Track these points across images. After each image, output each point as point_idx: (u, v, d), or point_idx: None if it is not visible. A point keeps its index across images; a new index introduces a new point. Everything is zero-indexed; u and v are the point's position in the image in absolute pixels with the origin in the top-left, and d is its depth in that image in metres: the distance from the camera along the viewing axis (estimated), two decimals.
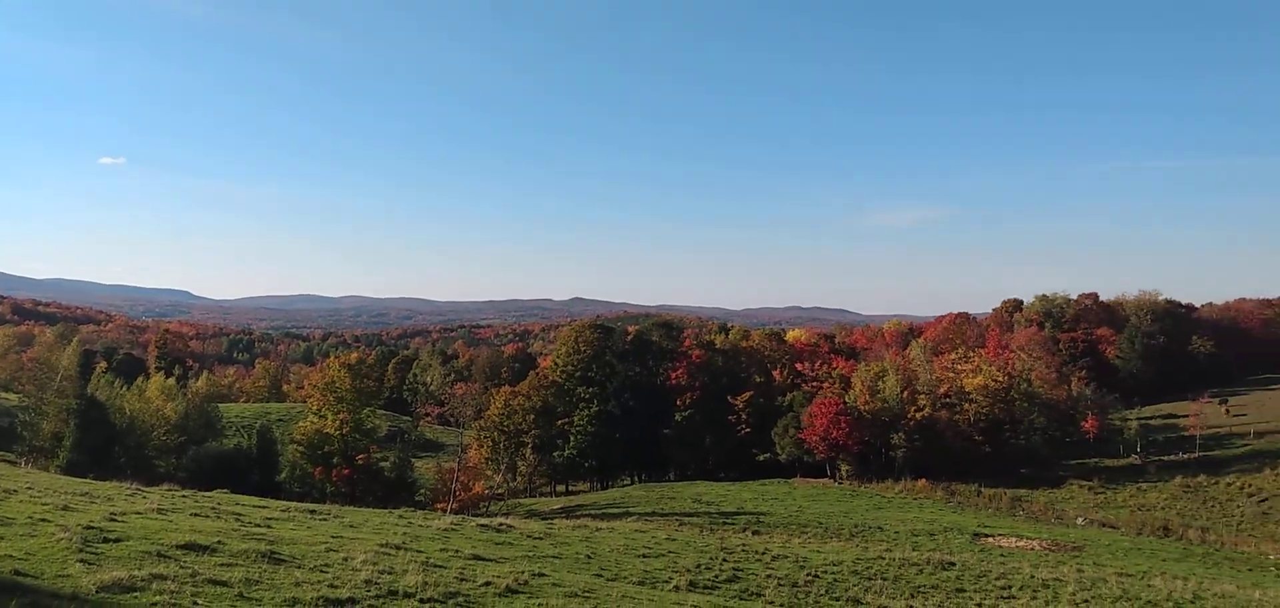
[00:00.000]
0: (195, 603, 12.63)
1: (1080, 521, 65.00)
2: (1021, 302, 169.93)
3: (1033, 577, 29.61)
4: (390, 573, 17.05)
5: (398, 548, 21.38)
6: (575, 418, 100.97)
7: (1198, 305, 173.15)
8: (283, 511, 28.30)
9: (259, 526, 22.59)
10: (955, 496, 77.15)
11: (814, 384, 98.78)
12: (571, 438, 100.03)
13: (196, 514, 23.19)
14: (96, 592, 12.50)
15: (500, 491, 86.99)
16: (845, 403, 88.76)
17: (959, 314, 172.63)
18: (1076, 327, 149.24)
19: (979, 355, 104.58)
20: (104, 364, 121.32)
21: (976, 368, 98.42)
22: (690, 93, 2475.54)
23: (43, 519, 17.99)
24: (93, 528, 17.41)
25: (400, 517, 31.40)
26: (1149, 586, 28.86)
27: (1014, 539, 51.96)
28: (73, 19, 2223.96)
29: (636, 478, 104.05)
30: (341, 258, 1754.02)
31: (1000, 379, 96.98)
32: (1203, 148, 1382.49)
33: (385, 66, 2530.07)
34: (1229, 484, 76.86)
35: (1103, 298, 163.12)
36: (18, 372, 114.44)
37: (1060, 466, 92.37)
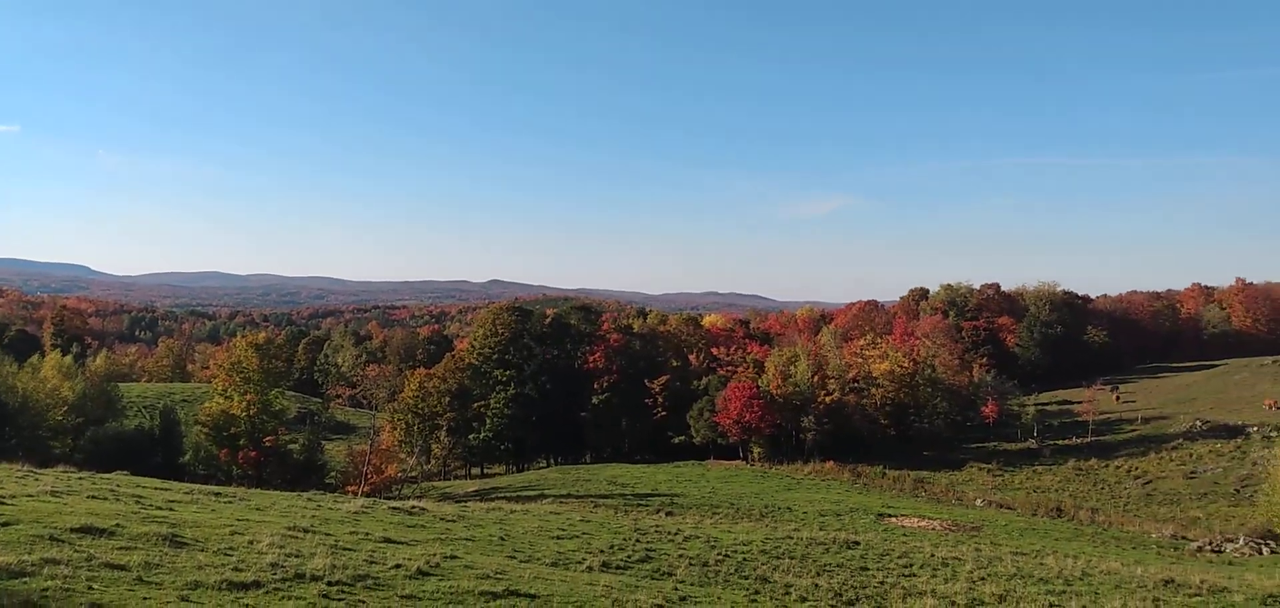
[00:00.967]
0: (91, 588, 12.24)
1: (979, 502, 67.86)
2: (927, 291, 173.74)
3: (933, 555, 30.82)
4: (297, 556, 16.81)
5: (306, 531, 21.06)
6: (492, 401, 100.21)
7: (1093, 297, 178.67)
8: (186, 493, 27.45)
9: (160, 508, 21.91)
10: (861, 477, 79.39)
11: (729, 369, 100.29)
12: (488, 421, 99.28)
13: (94, 497, 22.33)
14: None
15: (414, 474, 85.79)
16: (759, 387, 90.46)
17: (868, 302, 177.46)
18: (979, 315, 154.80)
19: (886, 342, 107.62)
20: None
21: (883, 354, 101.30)
22: (611, 85, 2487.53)
23: None
24: None
25: (309, 500, 30.82)
26: (1042, 564, 30.31)
27: (916, 519, 53.85)
28: None
29: (553, 461, 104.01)
30: (250, 236, 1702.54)
31: (906, 365, 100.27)
32: (1105, 149, 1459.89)
33: (286, 42, 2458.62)
34: (1118, 467, 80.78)
35: (1004, 288, 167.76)
36: None
37: (961, 449, 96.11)
